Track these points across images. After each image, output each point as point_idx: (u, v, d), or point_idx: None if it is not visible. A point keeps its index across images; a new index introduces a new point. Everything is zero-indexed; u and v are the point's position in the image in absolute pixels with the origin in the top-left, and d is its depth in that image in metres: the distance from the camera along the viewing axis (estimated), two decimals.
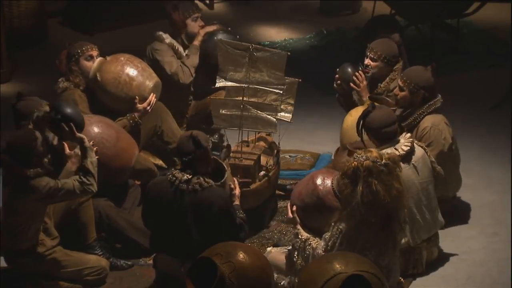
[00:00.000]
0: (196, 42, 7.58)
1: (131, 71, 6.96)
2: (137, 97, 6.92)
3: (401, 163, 5.83)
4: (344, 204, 5.47)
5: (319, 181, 5.86)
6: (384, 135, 6.18)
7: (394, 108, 6.63)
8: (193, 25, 7.57)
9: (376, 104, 6.32)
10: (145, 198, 6.05)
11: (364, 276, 4.68)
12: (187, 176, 5.84)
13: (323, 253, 5.58)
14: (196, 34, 7.60)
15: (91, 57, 6.98)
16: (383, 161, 5.38)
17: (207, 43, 7.51)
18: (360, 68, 7.14)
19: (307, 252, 5.75)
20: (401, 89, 6.69)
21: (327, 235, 5.61)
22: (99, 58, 7.02)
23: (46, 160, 6.01)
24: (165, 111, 7.32)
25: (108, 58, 7.02)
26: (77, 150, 6.22)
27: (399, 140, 6.21)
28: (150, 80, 7.03)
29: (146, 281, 6.31)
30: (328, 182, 5.84)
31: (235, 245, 5.05)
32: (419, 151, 6.29)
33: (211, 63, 7.37)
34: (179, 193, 5.85)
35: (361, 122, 6.20)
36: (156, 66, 7.38)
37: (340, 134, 6.98)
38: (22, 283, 6.18)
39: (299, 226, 5.89)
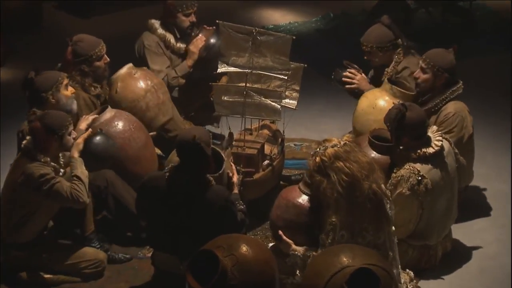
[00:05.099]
0: (189, 62, 7.41)
1: (151, 101, 6.94)
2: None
3: (429, 166, 6.01)
4: (326, 199, 5.49)
5: (286, 193, 5.86)
6: (422, 132, 6.10)
7: (413, 93, 6.68)
8: (183, 20, 7.46)
9: (407, 103, 6.21)
10: (140, 194, 5.94)
11: (371, 269, 4.68)
12: (186, 177, 5.74)
13: None
14: (189, 52, 7.40)
15: (102, 57, 6.87)
16: (341, 142, 5.51)
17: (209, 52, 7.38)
18: (349, 67, 7.12)
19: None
20: (424, 71, 6.63)
21: (323, 235, 5.56)
22: (129, 67, 6.93)
23: (61, 157, 6.16)
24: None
25: (136, 73, 6.95)
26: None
27: (429, 136, 6.14)
28: (164, 116, 7.02)
29: (144, 274, 6.31)
30: (295, 190, 5.81)
31: (237, 238, 5.02)
32: (446, 144, 6.23)
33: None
34: (177, 193, 5.74)
35: (397, 124, 6.05)
36: (145, 64, 7.29)
37: (353, 117, 6.92)
38: (19, 276, 6.22)
39: (293, 246, 5.73)
